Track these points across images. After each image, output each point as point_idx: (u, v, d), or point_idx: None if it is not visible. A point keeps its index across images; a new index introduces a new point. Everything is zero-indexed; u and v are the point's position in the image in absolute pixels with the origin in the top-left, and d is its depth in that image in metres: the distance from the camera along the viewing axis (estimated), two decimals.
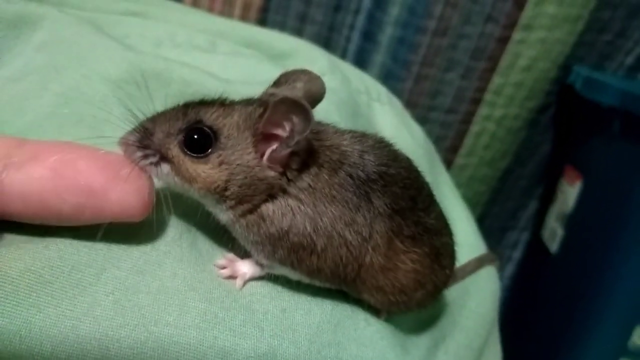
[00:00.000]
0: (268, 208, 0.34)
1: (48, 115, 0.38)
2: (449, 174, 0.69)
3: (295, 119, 0.31)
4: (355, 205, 0.34)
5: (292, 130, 0.31)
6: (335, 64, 0.58)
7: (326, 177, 0.34)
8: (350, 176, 0.35)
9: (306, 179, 0.34)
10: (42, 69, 0.41)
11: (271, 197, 0.34)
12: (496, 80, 0.82)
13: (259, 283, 0.36)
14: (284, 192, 0.34)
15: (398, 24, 0.81)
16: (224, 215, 0.34)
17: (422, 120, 0.79)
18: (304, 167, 0.34)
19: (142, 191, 0.31)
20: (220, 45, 0.52)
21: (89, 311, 0.30)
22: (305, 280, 0.36)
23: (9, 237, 0.31)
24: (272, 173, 0.33)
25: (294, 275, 0.36)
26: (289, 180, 0.34)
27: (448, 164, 0.86)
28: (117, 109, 0.39)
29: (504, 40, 0.79)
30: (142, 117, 0.34)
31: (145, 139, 0.32)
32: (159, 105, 0.34)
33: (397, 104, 0.65)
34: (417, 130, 0.64)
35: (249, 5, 0.79)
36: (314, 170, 0.34)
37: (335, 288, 0.38)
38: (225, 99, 0.35)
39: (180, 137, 0.33)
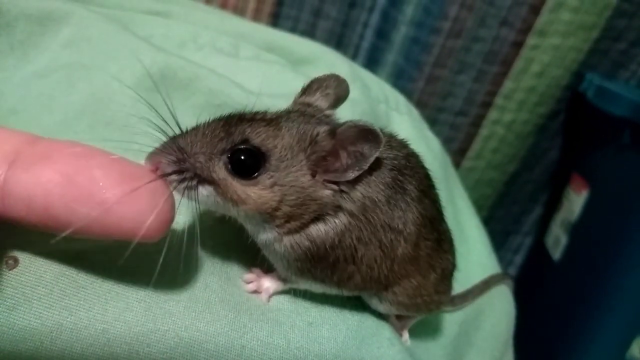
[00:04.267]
0: (319, 229, 0.33)
1: (78, 115, 0.39)
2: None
3: (366, 146, 0.30)
4: (394, 200, 0.34)
5: (361, 155, 0.31)
6: (355, 72, 0.58)
7: (376, 180, 0.33)
8: (391, 170, 0.34)
9: (359, 189, 0.33)
10: (69, 66, 0.42)
11: (321, 215, 0.32)
12: (508, 84, 0.82)
13: (286, 299, 0.36)
14: (338, 208, 0.32)
15: (412, 24, 0.80)
16: (266, 233, 0.33)
17: (431, 121, 0.79)
18: (358, 178, 0.32)
19: (161, 209, 0.27)
20: (242, 48, 0.52)
21: (121, 316, 0.30)
22: (330, 291, 0.36)
23: (44, 242, 0.32)
24: (327, 192, 0.32)
25: (318, 288, 0.36)
26: (342, 193, 0.32)
27: (456, 166, 0.86)
28: (147, 113, 0.39)
29: (518, 45, 0.79)
30: (171, 127, 0.32)
31: (181, 160, 0.30)
32: (184, 114, 0.33)
33: (416, 114, 0.65)
34: (435, 142, 0.64)
35: None
36: (365, 177, 0.33)
37: (355, 296, 0.38)
38: (265, 113, 0.33)
39: (225, 158, 0.31)
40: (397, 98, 0.62)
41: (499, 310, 0.54)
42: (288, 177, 0.31)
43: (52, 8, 0.44)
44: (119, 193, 0.26)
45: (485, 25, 0.78)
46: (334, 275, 0.34)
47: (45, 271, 0.30)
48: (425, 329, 0.46)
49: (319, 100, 0.36)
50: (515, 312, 0.57)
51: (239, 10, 0.79)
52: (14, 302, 0.29)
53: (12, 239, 0.31)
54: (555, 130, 0.89)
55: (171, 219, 0.28)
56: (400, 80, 0.83)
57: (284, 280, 0.36)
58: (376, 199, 0.33)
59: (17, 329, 0.29)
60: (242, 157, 0.31)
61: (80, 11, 0.45)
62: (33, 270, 0.30)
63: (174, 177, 0.30)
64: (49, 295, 0.30)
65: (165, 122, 0.32)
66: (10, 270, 0.30)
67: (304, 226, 0.33)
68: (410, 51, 0.82)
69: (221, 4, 0.78)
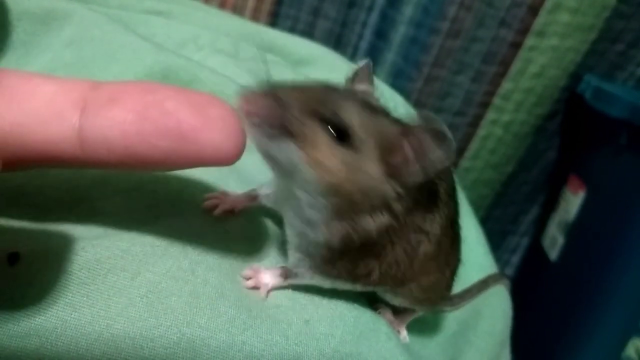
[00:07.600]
0: (368, 223, 0.32)
1: None
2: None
3: (438, 153, 0.30)
4: (429, 204, 0.34)
5: (430, 161, 0.30)
6: None
7: (425, 187, 0.33)
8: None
9: (411, 194, 0.32)
10: (71, 66, 0.41)
11: (373, 211, 0.32)
12: (506, 85, 0.82)
13: (284, 295, 0.36)
14: (387, 207, 0.32)
15: (411, 24, 0.80)
16: (314, 210, 0.32)
17: None
18: None
19: (236, 131, 0.27)
20: (242, 49, 0.52)
21: (123, 311, 0.30)
22: (342, 287, 0.36)
23: (45, 238, 0.32)
24: (389, 189, 0.32)
25: (328, 284, 0.36)
26: (399, 197, 0.32)
27: (453, 166, 0.86)
28: None
29: (516, 46, 0.79)
30: None
31: (279, 109, 0.29)
32: None
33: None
34: None
35: None
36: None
37: (353, 292, 0.38)
38: (357, 94, 0.33)
39: (318, 120, 0.30)
40: (395, 99, 0.63)
41: (496, 310, 0.54)
42: (361, 160, 0.31)
43: (54, 7, 0.44)
44: (193, 121, 0.26)
45: (483, 25, 0.78)
46: (355, 269, 0.34)
47: (47, 267, 0.30)
48: (423, 327, 0.47)
49: (367, 87, 0.36)
50: (512, 312, 0.57)
51: (238, 9, 0.79)
52: (16, 298, 0.29)
53: (14, 235, 0.31)
54: (553, 131, 0.89)
55: (245, 140, 0.28)
56: (398, 80, 0.83)
57: (285, 276, 0.36)
58: (417, 202, 0.33)
59: (21, 325, 0.29)
60: (335, 126, 0.30)
61: (82, 11, 0.45)
62: (35, 266, 0.30)
63: (265, 121, 0.29)
64: (52, 292, 0.30)
65: None
66: (12, 266, 0.30)
67: (356, 214, 0.32)
68: (409, 51, 0.82)
69: (220, 2, 0.78)
